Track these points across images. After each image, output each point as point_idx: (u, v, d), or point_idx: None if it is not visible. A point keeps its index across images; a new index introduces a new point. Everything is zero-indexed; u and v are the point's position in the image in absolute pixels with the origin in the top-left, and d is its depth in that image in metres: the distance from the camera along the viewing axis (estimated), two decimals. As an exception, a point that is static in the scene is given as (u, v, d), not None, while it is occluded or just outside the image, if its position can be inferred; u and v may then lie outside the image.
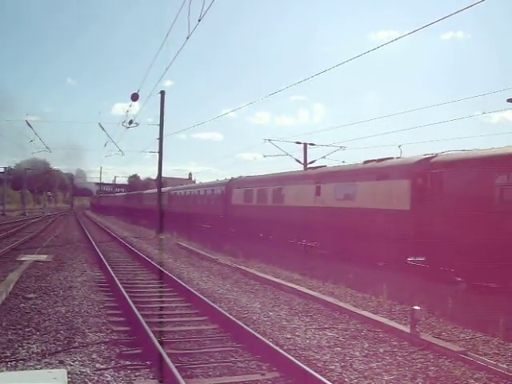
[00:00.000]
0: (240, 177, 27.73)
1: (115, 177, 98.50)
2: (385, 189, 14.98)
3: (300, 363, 5.39)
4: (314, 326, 7.58)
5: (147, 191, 51.35)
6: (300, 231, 19.21)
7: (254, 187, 24.22)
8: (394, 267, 13.48)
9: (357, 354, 6.19)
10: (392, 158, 16.21)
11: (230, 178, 28.41)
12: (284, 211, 20.45)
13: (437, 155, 14.03)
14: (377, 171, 15.93)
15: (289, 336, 6.99)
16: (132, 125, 26.07)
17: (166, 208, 34.32)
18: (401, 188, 14.30)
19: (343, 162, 22.41)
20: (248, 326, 7.13)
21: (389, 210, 14.48)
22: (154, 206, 38.36)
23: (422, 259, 14.06)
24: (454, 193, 12.52)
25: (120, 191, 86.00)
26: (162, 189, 38.87)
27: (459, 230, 12.03)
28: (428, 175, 13.51)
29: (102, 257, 14.98)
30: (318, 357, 6.03)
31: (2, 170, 60.89)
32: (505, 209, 11.06)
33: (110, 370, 5.30)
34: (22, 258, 14.74)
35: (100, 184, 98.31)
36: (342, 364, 5.76)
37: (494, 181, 11.54)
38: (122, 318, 7.74)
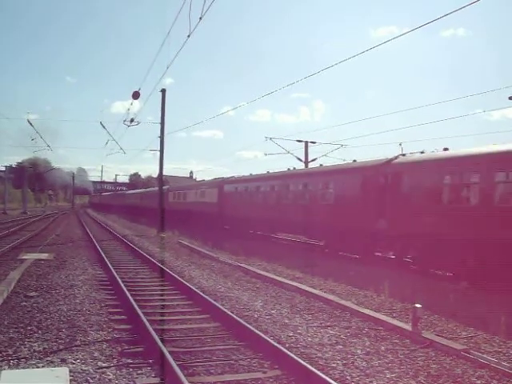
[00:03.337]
0: (173, 185, 46.78)
1: (116, 175, 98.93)
2: (211, 192, 31.42)
3: (302, 361, 5.38)
4: (315, 324, 7.59)
5: (129, 192, 70.22)
6: (192, 216, 33.89)
7: (176, 191, 41.40)
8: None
9: (358, 351, 6.19)
10: (223, 177, 31.67)
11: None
12: (188, 205, 36.60)
13: (230, 178, 30.40)
14: (210, 184, 32.94)
15: (290, 334, 6.99)
16: (133, 123, 26.07)
17: (139, 204, 51.99)
18: (215, 192, 30.43)
19: (344, 160, 24.41)
20: (250, 324, 7.13)
21: (213, 202, 30.68)
22: (135, 203, 56.37)
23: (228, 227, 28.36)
24: (230, 194, 28.38)
25: (121, 189, 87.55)
26: (135, 191, 64.17)
27: (234, 210, 27.10)
28: (222, 186, 29.50)
29: (103, 255, 14.99)
30: (320, 355, 6.03)
31: (3, 168, 60.95)
32: (253, 201, 24.89)
33: (112, 368, 5.31)
34: (24, 257, 14.76)
35: (101, 183, 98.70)
36: (344, 362, 5.76)
37: (246, 190, 26.26)
38: (123, 317, 7.75)
